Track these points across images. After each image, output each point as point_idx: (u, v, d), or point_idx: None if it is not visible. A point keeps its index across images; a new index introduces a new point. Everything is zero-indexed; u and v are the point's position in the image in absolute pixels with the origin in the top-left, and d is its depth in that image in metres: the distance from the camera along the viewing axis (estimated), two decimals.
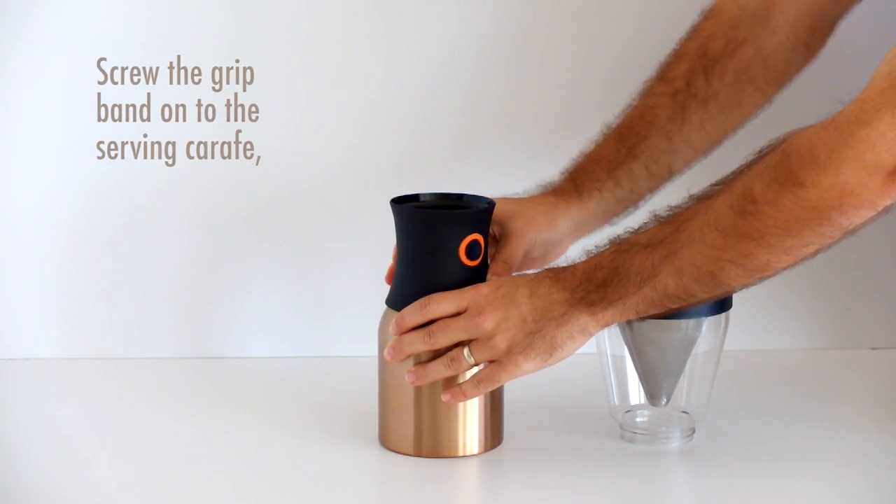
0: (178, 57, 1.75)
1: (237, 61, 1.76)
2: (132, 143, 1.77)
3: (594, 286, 1.39)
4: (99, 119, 1.76)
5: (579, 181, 1.56)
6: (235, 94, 1.77)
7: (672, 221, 1.37)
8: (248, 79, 1.77)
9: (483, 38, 1.78)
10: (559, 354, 1.41)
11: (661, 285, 1.36)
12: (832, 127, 1.27)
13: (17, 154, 1.77)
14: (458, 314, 1.43)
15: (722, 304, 1.49)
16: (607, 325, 1.40)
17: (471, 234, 1.46)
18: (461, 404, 1.47)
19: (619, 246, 1.39)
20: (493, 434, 1.51)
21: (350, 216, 1.80)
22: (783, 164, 1.29)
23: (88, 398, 1.69)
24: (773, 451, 1.51)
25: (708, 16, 1.58)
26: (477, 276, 1.46)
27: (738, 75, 1.55)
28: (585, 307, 1.39)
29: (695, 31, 1.58)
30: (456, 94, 1.79)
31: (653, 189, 1.58)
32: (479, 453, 1.49)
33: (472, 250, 1.45)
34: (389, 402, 1.50)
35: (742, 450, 1.52)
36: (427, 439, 1.48)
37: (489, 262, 1.49)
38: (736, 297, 1.47)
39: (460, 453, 1.49)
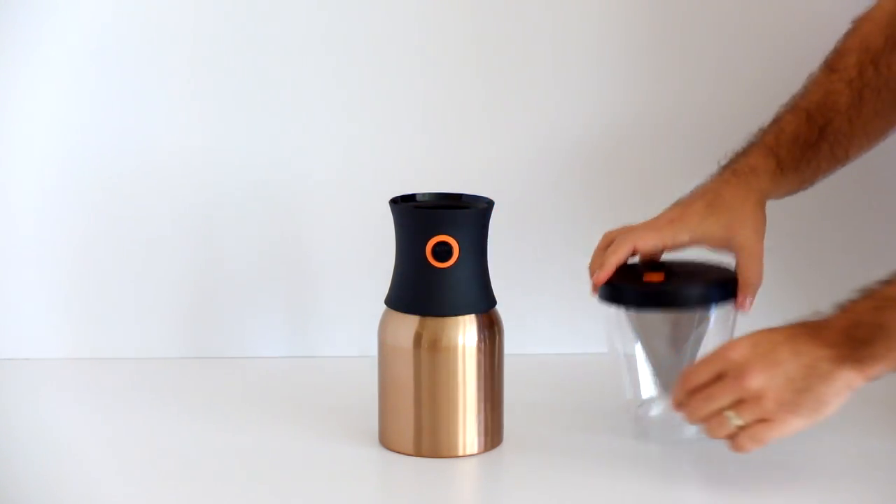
0: (179, 57, 1.76)
1: (239, 61, 1.76)
2: (132, 143, 1.77)
3: (858, 343, 1.38)
4: (99, 119, 1.76)
5: (781, 158, 1.55)
6: (236, 94, 1.77)
7: None
8: (249, 78, 1.77)
9: (485, 38, 1.78)
10: (825, 411, 1.39)
11: None
12: None
13: (18, 154, 1.77)
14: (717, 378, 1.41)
15: (725, 294, 1.48)
16: (874, 378, 1.39)
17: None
18: (461, 404, 1.47)
19: (876, 301, 1.38)
20: (493, 434, 1.51)
21: (350, 216, 1.80)
22: None
23: (88, 398, 1.69)
24: (773, 452, 1.51)
25: (864, 18, 1.58)
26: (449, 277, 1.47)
27: None
28: (852, 363, 1.38)
29: (852, 31, 1.58)
30: (456, 94, 1.79)
31: (826, 172, 1.58)
32: (478, 453, 1.49)
33: (440, 253, 1.46)
34: (389, 402, 1.50)
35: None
36: (427, 439, 1.48)
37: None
38: None
39: (460, 453, 1.49)
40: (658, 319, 1.47)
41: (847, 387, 1.39)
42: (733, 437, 1.40)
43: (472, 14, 1.77)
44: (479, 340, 1.48)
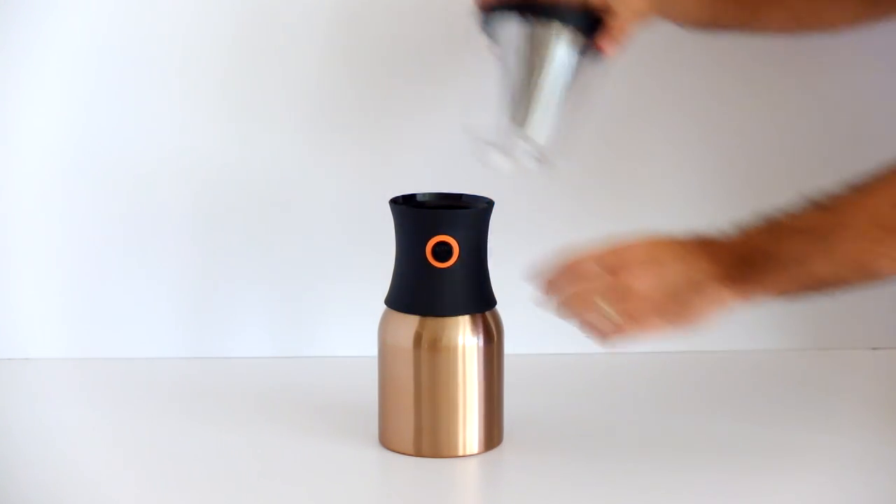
0: (177, 59, 1.76)
1: (237, 62, 1.76)
2: (131, 144, 1.77)
3: (745, 266, 1.38)
4: (97, 121, 1.76)
5: None
6: (233, 94, 1.77)
7: (828, 209, 1.36)
8: (246, 79, 1.77)
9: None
10: (693, 320, 1.40)
11: (814, 272, 1.36)
12: None
13: (18, 154, 1.77)
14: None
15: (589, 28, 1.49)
16: (753, 302, 1.40)
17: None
18: (461, 404, 1.47)
19: (773, 229, 1.38)
20: (493, 434, 1.51)
21: (349, 216, 1.80)
22: None
23: (88, 398, 1.69)
24: (773, 453, 1.51)
25: None
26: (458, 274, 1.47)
27: None
28: (731, 283, 1.38)
29: None
30: (457, 93, 1.79)
31: (735, 21, 1.58)
32: (478, 453, 1.50)
33: (440, 253, 1.46)
34: (389, 402, 1.50)
35: (741, 451, 1.52)
36: (427, 439, 1.48)
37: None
38: None
39: (460, 453, 1.49)
40: (516, 42, 1.48)
41: (720, 304, 1.39)
42: (598, 328, 1.41)
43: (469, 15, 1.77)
44: (479, 340, 1.48)
